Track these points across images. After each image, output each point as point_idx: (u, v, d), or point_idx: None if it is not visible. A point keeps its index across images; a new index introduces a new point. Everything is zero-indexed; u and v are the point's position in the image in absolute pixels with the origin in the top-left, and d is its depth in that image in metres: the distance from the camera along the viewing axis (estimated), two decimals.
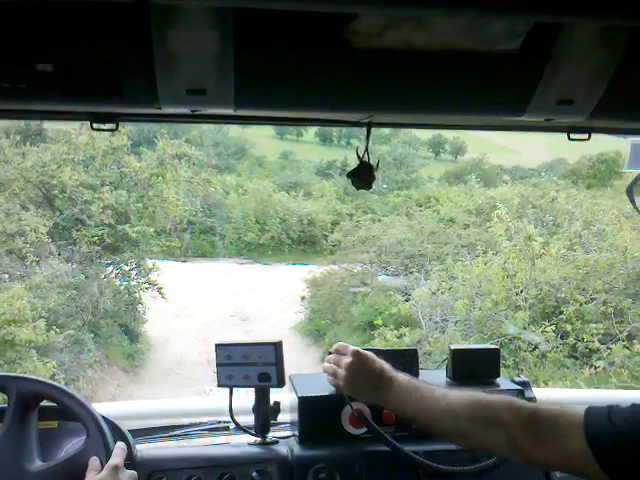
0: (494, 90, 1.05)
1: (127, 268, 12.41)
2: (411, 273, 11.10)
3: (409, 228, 12.60)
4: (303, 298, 14.69)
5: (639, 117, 1.17)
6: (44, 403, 1.38)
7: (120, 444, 1.31)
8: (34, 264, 9.34)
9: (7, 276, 8.73)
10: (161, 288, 12.32)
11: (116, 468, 1.23)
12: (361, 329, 10.83)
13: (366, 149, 1.27)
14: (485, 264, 9.16)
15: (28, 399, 1.32)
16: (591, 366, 7.04)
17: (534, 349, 7.83)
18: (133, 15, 0.86)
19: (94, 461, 1.25)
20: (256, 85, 0.99)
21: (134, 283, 12.48)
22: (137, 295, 12.53)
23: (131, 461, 1.32)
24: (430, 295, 9.28)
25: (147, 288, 12.40)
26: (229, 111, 1.05)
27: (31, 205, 11.12)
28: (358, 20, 0.92)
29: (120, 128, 12.48)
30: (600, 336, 7.19)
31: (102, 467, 1.24)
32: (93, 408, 1.33)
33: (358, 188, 1.31)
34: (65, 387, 1.39)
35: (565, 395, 2.58)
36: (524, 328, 7.82)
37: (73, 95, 0.97)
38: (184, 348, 12.57)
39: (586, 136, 1.29)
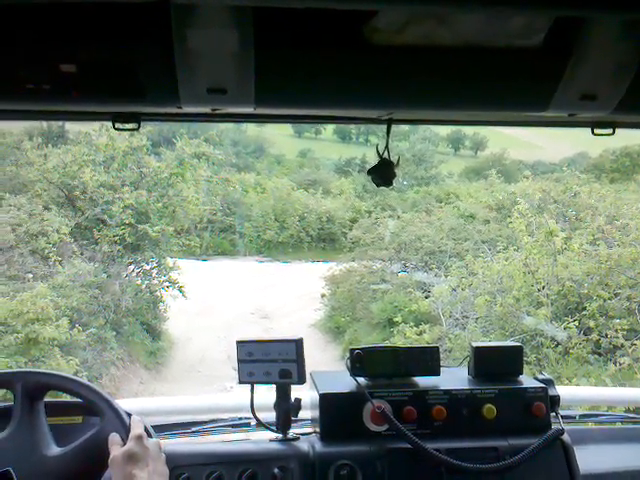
0: (516, 86, 1.04)
1: (148, 267, 12.50)
2: (431, 270, 11.02)
3: (428, 224, 12.51)
4: (323, 296, 14.68)
5: None
6: (67, 398, 1.41)
7: (135, 417, 1.31)
8: (57, 264, 9.48)
9: (31, 275, 8.88)
10: (182, 287, 12.39)
11: (140, 437, 1.23)
12: (380, 326, 10.79)
13: (386, 146, 1.26)
14: (506, 260, 9.04)
15: (33, 391, 1.34)
16: (615, 362, 6.92)
17: (557, 345, 7.72)
18: (154, 15, 0.87)
19: (114, 436, 1.26)
20: (276, 83, 0.99)
21: (155, 282, 12.58)
22: (158, 294, 12.62)
23: None
24: (450, 292, 9.20)
25: (168, 287, 12.50)
26: (249, 110, 1.05)
27: (53, 206, 11.26)
28: (378, 17, 0.91)
29: (140, 129, 12.56)
30: (625, 332, 7.05)
31: (124, 441, 1.25)
32: (101, 389, 1.36)
33: (378, 185, 1.30)
34: (69, 375, 1.41)
35: (589, 393, 2.55)
36: (547, 324, 7.72)
37: (95, 95, 0.98)
38: (205, 346, 12.66)
39: (610, 131, 1.28)
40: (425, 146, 29.37)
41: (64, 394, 1.41)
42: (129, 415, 1.34)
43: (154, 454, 1.24)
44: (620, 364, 6.78)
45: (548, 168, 32.44)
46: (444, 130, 39.26)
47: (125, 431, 1.28)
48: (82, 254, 10.55)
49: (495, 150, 36.47)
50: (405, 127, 33.29)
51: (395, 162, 1.28)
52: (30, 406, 1.33)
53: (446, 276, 10.18)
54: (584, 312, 7.76)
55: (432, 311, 9.32)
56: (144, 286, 12.40)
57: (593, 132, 1.27)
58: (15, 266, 8.75)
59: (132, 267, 12.38)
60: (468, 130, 41.60)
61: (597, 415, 2.05)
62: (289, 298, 15.85)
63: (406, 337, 8.53)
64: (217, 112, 1.12)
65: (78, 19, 0.89)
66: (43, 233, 9.51)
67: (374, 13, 0.91)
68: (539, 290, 8.20)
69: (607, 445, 1.81)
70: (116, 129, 1.13)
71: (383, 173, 1.27)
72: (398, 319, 9.31)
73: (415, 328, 8.69)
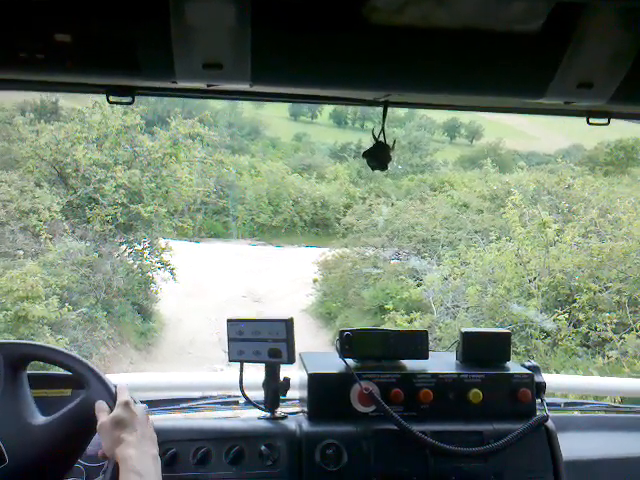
0: (514, 71, 1.02)
1: (140, 247, 12.40)
2: (423, 258, 11.02)
3: (422, 212, 12.48)
4: (315, 281, 14.66)
5: None
6: (56, 371, 1.41)
7: (121, 384, 1.32)
8: (48, 241, 9.38)
9: (22, 253, 8.79)
10: (173, 269, 12.33)
11: (127, 403, 1.24)
12: (372, 313, 10.81)
13: (382, 129, 1.25)
14: (498, 250, 9.06)
15: (16, 362, 1.34)
16: (603, 356, 6.97)
17: (546, 337, 7.77)
18: None
19: (101, 404, 1.27)
20: (272, 61, 0.98)
21: (147, 262, 12.48)
22: (150, 274, 12.53)
23: None
24: (442, 280, 9.20)
25: (159, 268, 12.43)
26: (245, 87, 1.04)
27: (45, 183, 11.13)
28: None
29: (134, 107, 12.47)
30: (614, 326, 7.10)
31: (111, 408, 1.25)
32: (82, 358, 1.35)
33: (373, 168, 1.28)
34: (53, 345, 1.41)
35: (575, 382, 2.57)
36: (536, 316, 7.75)
37: (90, 67, 0.97)
38: (196, 328, 12.65)
39: (605, 121, 1.26)
40: (421, 133, 29.26)
41: (52, 367, 1.41)
42: (115, 385, 1.34)
43: (142, 419, 1.25)
44: (608, 357, 6.84)
45: (542, 159, 32.49)
46: (440, 118, 39.11)
47: (111, 398, 1.28)
48: (74, 232, 10.45)
49: (491, 139, 36.44)
50: (401, 114, 33.14)
51: (391, 145, 1.26)
52: (13, 376, 1.33)
53: (438, 265, 10.18)
54: (574, 304, 7.80)
55: (423, 299, 9.34)
56: (136, 266, 12.31)
57: (588, 121, 1.26)
58: (6, 243, 8.63)
59: (124, 247, 12.28)
60: (464, 118, 41.52)
61: (582, 404, 2.07)
62: (281, 282, 15.84)
63: (397, 325, 8.53)
64: (212, 88, 1.11)
65: None
66: (34, 210, 9.38)
67: None
68: (530, 281, 8.22)
69: (590, 433, 1.84)
70: (110, 102, 1.12)
71: (378, 156, 1.26)
72: (389, 306, 9.32)
73: (406, 316, 8.71)
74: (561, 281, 8.13)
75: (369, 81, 1.04)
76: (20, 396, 1.32)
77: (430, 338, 1.60)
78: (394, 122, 28.73)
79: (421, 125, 29.55)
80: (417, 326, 8.22)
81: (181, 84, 1.04)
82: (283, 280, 16.02)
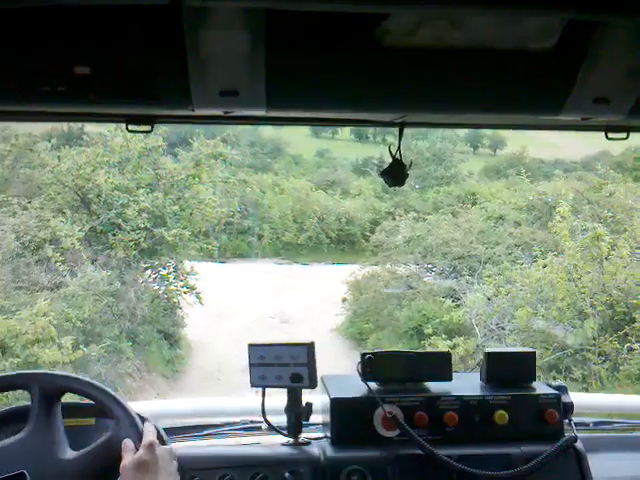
0: (529, 89, 1.02)
1: (165, 272, 12.08)
2: (461, 276, 10.26)
3: (456, 227, 11.72)
4: (344, 300, 14.19)
5: None
6: (79, 400, 1.39)
7: (149, 424, 1.29)
8: (67, 272, 8.88)
9: (36, 288, 8.24)
10: (199, 293, 11.95)
11: (151, 445, 1.21)
12: (408, 335, 10.06)
13: (398, 149, 1.25)
14: (545, 267, 8.27)
15: (50, 393, 1.31)
16: None
17: (604, 361, 6.98)
18: (167, 18, 0.86)
19: (127, 442, 1.23)
20: (287, 86, 0.98)
21: (172, 287, 12.12)
22: (175, 300, 12.14)
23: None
24: (485, 301, 8.43)
25: (185, 292, 12.03)
26: (261, 112, 1.05)
27: (67, 210, 10.79)
28: (390, 19, 0.90)
29: (156, 129, 12.15)
30: None
31: (136, 448, 1.22)
32: (115, 393, 1.32)
33: (390, 185, 1.31)
34: (85, 377, 1.37)
35: (603, 401, 2.46)
36: (594, 338, 6.97)
37: (109, 97, 0.98)
38: (224, 352, 12.23)
39: (624, 135, 1.25)
40: (445, 145, 28.53)
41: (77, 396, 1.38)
42: (143, 420, 1.31)
43: (165, 463, 1.22)
44: None
45: (569, 167, 31.59)
46: (462, 129, 38.45)
47: (138, 437, 1.25)
48: (96, 260, 10.02)
49: (514, 149, 35.67)
50: None
51: (408, 164, 1.27)
52: (47, 408, 1.29)
53: (479, 283, 9.41)
54: (635, 324, 7.00)
55: (464, 321, 8.59)
56: (161, 292, 11.97)
57: (607, 136, 1.25)
58: (21, 277, 8.10)
59: (149, 272, 11.98)
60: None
61: (611, 422, 1.98)
62: (309, 301, 15.41)
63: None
64: (229, 115, 1.12)
65: (93, 22, 0.89)
66: (51, 240, 8.92)
67: (386, 15, 0.89)
68: (583, 300, 7.42)
69: (621, 453, 1.75)
70: (129, 131, 1.14)
71: (396, 174, 1.28)
72: (429, 330, 8.57)
73: (448, 341, 7.95)
74: (618, 299, 7.33)
75: (385, 103, 1.04)
76: (53, 429, 1.29)
77: (473, 364, 1.55)
78: (418, 134, 28.19)
79: (445, 137, 28.81)
80: (460, 351, 7.49)
81: (198, 112, 1.05)
82: (311, 299, 15.56)
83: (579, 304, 7.46)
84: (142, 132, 1.15)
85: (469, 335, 8.26)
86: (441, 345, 7.89)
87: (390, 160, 1.25)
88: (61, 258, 8.80)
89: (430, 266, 11.49)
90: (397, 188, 24.83)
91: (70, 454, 1.27)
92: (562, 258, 8.03)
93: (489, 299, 8.50)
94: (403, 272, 11.77)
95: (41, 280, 8.44)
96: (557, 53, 0.94)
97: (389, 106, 1.06)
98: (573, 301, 7.48)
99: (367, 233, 17.66)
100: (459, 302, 9.34)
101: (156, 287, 11.93)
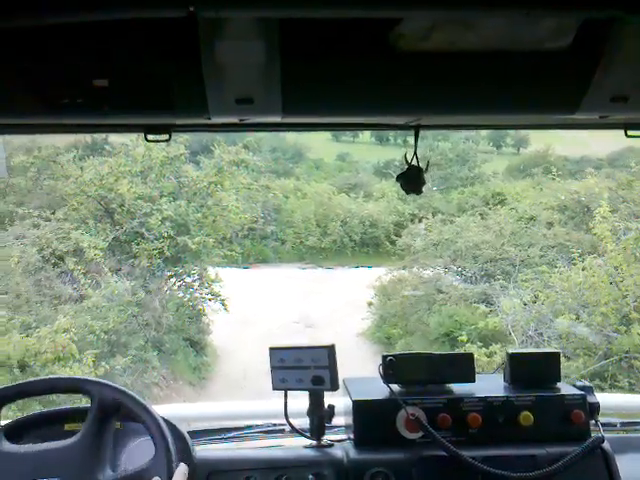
0: (545, 89, 1.00)
1: (190, 280, 11.92)
2: (494, 280, 9.81)
3: (485, 229, 11.28)
4: (370, 304, 13.88)
5: None
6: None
7: (182, 467, 1.26)
8: (87, 287, 8.68)
9: (57, 301, 8.02)
10: (224, 300, 11.79)
11: None
12: (439, 342, 9.67)
13: (414, 153, 1.23)
14: (583, 269, 7.81)
15: (108, 406, 1.29)
16: None
17: None
18: (182, 29, 0.86)
19: None
20: (302, 92, 0.97)
21: (197, 295, 12.00)
22: (201, 307, 12.02)
23: (190, 462, 1.30)
24: (522, 306, 7.98)
25: (210, 299, 11.90)
26: (277, 119, 1.04)
27: (91, 220, 10.68)
28: (403, 23, 0.89)
29: (176, 138, 12.08)
30: None
31: None
32: (166, 428, 1.29)
33: (408, 192, 1.27)
34: (142, 400, 1.33)
35: (630, 401, 2.36)
36: None
37: (127, 108, 1.00)
38: (249, 358, 12.04)
39: None
40: (468, 145, 27.99)
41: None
42: (178, 461, 1.27)
43: None
44: None
45: (595, 164, 30.76)
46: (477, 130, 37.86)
47: (167, 476, 1.23)
48: (120, 270, 9.86)
49: (538, 146, 34.93)
50: None
51: (425, 167, 1.24)
52: (101, 420, 1.27)
53: (514, 288, 8.97)
54: None
55: (499, 327, 8.16)
56: (186, 299, 11.82)
57: (627, 134, 1.22)
58: (43, 290, 7.91)
59: (173, 280, 11.85)
60: None
61: (639, 423, 1.92)
62: (334, 306, 15.22)
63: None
64: (245, 122, 1.11)
65: (110, 35, 0.89)
66: (75, 251, 8.76)
67: (399, 20, 0.89)
68: (627, 304, 6.96)
69: None
70: (148, 141, 1.16)
71: (412, 179, 1.24)
72: (463, 338, 8.15)
73: (484, 349, 7.53)
74: None
75: (400, 106, 1.03)
76: (100, 444, 1.27)
77: None
78: (440, 135, 27.74)
79: (468, 137, 28.29)
80: (498, 360, 7.09)
81: (215, 120, 1.05)
82: (336, 303, 15.37)
83: (624, 309, 7.01)
84: (161, 142, 1.15)
85: (505, 342, 7.84)
86: (477, 354, 7.50)
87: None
88: (83, 270, 8.60)
89: (460, 269, 11.05)
90: (425, 192, 24.39)
91: (107, 475, 1.25)
92: (603, 260, 7.57)
93: (525, 304, 8.06)
94: (432, 276, 11.37)
95: (64, 293, 8.24)
96: (573, 52, 0.92)
97: (404, 109, 1.05)
98: (617, 306, 7.03)
99: (392, 236, 17.27)
100: (492, 307, 8.91)
101: (181, 295, 11.78)
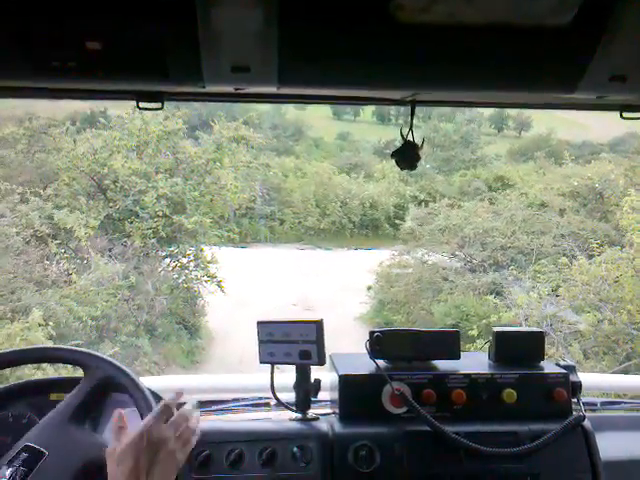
0: (544, 66, 0.95)
1: (185, 261, 11.35)
2: (504, 268, 9.21)
3: (495, 215, 10.65)
4: (369, 288, 13.41)
5: None
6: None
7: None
8: (76, 267, 8.04)
9: (39, 287, 7.31)
10: (220, 281, 11.23)
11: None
12: None
13: (410, 128, 1.18)
14: (604, 262, 7.21)
15: (100, 379, 1.31)
16: None
17: None
18: None
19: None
20: (299, 62, 0.93)
21: (192, 276, 11.43)
22: (196, 288, 11.47)
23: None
24: (538, 300, 7.39)
25: (206, 281, 11.33)
26: (272, 89, 1.01)
27: (83, 197, 10.04)
28: None
29: (175, 111, 11.41)
30: None
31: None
32: (152, 400, 1.29)
33: (402, 168, 1.25)
34: (132, 373, 1.32)
35: (612, 381, 2.38)
36: None
37: (120, 74, 0.95)
38: (245, 341, 11.52)
39: (639, 115, 1.19)
40: (471, 127, 27.26)
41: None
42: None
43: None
44: None
45: (595, 149, 30.15)
46: (487, 110, 37.10)
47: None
48: (111, 249, 9.25)
49: (540, 130, 34.32)
50: (448, 108, 31.35)
51: (419, 144, 1.21)
52: (91, 394, 1.30)
53: (529, 279, 8.38)
54: None
55: (512, 321, 7.60)
56: (180, 281, 11.23)
57: (622, 115, 1.19)
58: (24, 274, 7.22)
59: (168, 261, 11.27)
60: (512, 109, 39.42)
61: (620, 402, 1.94)
62: (333, 288, 14.62)
63: None
64: (240, 92, 1.09)
65: None
66: (64, 230, 8.10)
67: None
68: None
69: (630, 432, 1.70)
70: (140, 109, 1.10)
71: (407, 156, 1.22)
72: (474, 333, 7.57)
73: None
74: None
75: (396, 80, 1.01)
76: (88, 416, 1.31)
77: None
78: (444, 117, 27.02)
79: (471, 119, 27.54)
80: None
81: (209, 88, 1.02)
82: (334, 286, 14.77)
83: None
84: (152, 109, 1.10)
85: None
86: None
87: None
88: (70, 252, 7.94)
89: (468, 257, 10.46)
90: (420, 171, 23.99)
91: (93, 443, 1.25)
92: (625, 253, 6.99)
93: (541, 298, 7.48)
94: (438, 263, 10.79)
95: (48, 277, 7.57)
96: (573, 29, 0.88)
97: (400, 83, 1.01)
98: None
99: (395, 220, 16.66)
100: (502, 298, 8.34)
101: (175, 276, 11.21)
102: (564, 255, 8.35)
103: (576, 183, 10.68)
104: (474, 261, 10.08)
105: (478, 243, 10.04)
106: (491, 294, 8.62)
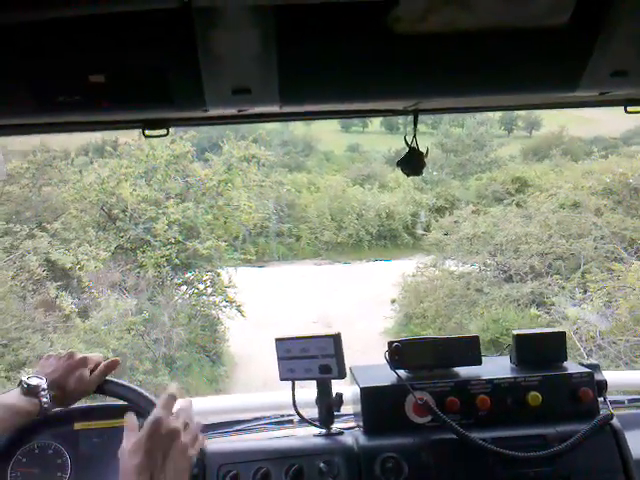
0: (545, 66, 0.93)
1: (202, 287, 10.77)
2: (543, 277, 8.43)
3: (526, 219, 9.86)
4: (393, 301, 12.74)
5: None
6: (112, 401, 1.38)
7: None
8: (87, 302, 7.44)
9: (49, 327, 6.66)
10: (240, 306, 10.72)
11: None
12: (483, 349, 8.36)
13: (414, 136, 1.19)
14: None
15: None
16: None
17: None
18: (177, 20, 0.81)
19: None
20: (300, 79, 0.92)
21: (210, 300, 10.91)
22: (214, 312, 10.94)
23: (200, 455, 1.26)
24: (594, 313, 6.61)
25: (225, 306, 10.83)
26: (275, 108, 1.01)
27: (91, 229, 9.51)
28: (399, 6, 0.83)
29: (182, 135, 10.94)
30: None
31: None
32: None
33: (408, 175, 1.23)
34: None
35: (637, 377, 2.14)
36: None
37: (124, 104, 0.94)
38: (267, 364, 10.84)
39: None
40: (483, 130, 26.54)
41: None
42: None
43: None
44: None
45: (609, 143, 29.30)
46: (495, 112, 36.47)
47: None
48: (123, 282, 8.67)
49: (552, 128, 33.53)
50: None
51: (425, 152, 1.20)
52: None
53: (577, 287, 7.58)
54: None
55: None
56: (198, 308, 10.65)
57: (626, 110, 1.17)
58: (23, 322, 6.56)
59: (184, 288, 10.72)
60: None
61: None
62: (354, 303, 14.12)
63: None
64: (243, 113, 1.08)
65: (104, 29, 0.83)
66: (72, 267, 7.50)
67: (396, 2, 0.83)
68: None
69: None
70: (146, 136, 1.10)
71: (413, 163, 1.21)
72: None
73: None
74: None
75: (397, 91, 1.00)
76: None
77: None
78: (453, 122, 26.36)
79: (482, 122, 26.86)
80: None
81: (212, 112, 1.02)
82: (355, 300, 14.25)
83: None
84: (158, 137, 1.09)
85: (572, 356, 6.54)
86: None
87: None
88: (63, 295, 7.24)
89: (501, 267, 9.68)
90: (437, 177, 23.39)
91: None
92: None
93: (595, 309, 6.70)
94: (469, 273, 10.03)
95: (48, 323, 6.91)
96: (572, 27, 0.87)
97: (402, 94, 0.99)
98: None
99: (410, 228, 15.96)
100: (547, 310, 7.56)
101: (193, 304, 10.65)
102: (607, 257, 7.57)
103: (608, 180, 9.91)
104: (510, 271, 9.29)
105: (511, 250, 9.29)
106: (532, 305, 7.85)
